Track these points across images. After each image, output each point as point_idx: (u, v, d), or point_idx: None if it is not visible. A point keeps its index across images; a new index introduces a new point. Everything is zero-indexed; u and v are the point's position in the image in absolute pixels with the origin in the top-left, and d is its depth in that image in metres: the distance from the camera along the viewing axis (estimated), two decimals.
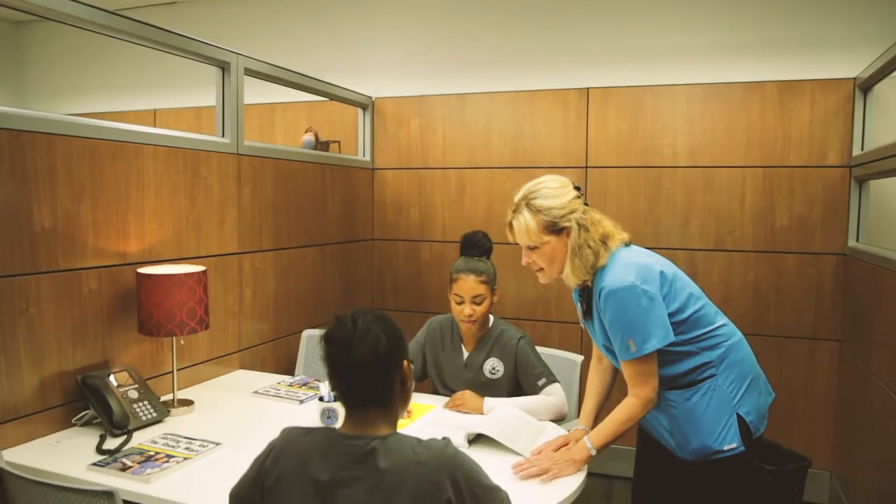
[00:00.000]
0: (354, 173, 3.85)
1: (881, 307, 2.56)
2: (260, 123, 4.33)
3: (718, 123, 3.40)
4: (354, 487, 1.28)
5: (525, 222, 1.85)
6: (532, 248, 1.88)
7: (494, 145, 3.79)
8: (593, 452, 1.84)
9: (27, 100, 5.29)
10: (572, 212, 1.84)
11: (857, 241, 3.16)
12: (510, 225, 1.90)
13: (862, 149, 3.14)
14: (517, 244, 1.93)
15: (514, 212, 1.88)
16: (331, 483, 1.29)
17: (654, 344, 1.76)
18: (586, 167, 3.62)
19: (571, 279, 1.87)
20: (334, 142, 4.14)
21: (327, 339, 1.36)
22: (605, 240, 1.84)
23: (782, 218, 3.33)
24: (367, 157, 4.01)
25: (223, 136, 2.80)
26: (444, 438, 1.38)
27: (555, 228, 1.84)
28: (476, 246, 2.49)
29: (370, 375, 1.35)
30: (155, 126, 2.55)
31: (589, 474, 1.87)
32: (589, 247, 1.82)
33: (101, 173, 2.22)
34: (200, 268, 2.33)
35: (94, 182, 2.19)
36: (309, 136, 4.03)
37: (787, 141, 3.30)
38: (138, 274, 2.24)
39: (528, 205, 1.85)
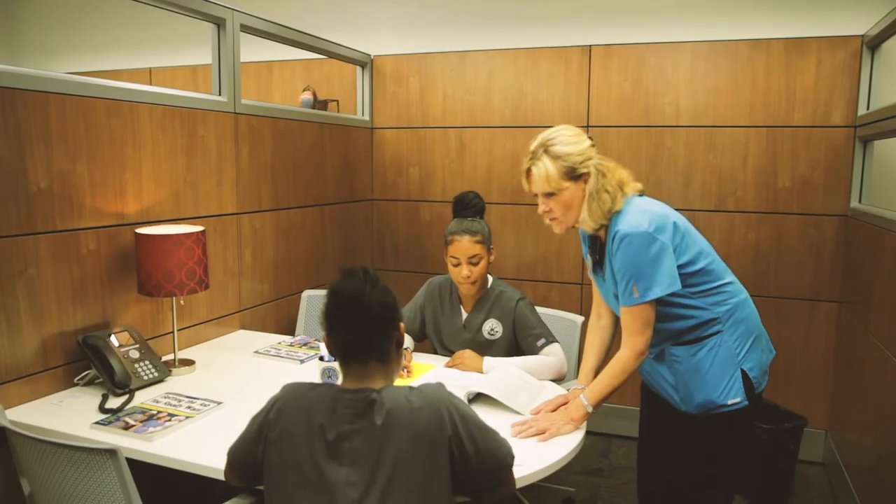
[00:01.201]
0: (353, 132, 3.81)
1: (881, 268, 2.56)
2: (257, 82, 4.27)
3: (722, 82, 3.34)
4: (356, 440, 1.31)
5: (545, 168, 1.84)
6: (549, 196, 1.88)
7: (495, 104, 3.74)
8: (590, 409, 1.86)
9: (20, 57, 5.21)
10: (590, 158, 1.85)
11: (860, 202, 3.15)
12: (528, 172, 1.89)
13: (868, 108, 3.10)
14: (533, 195, 1.92)
15: (532, 158, 1.87)
16: (336, 436, 1.31)
17: (656, 292, 1.77)
18: (587, 126, 3.57)
19: (588, 223, 1.88)
20: (333, 101, 4.09)
21: (336, 291, 1.37)
22: (621, 185, 1.86)
23: (784, 179, 3.31)
24: (366, 117, 3.96)
25: (220, 94, 2.76)
26: (437, 383, 1.40)
27: (574, 174, 1.84)
28: (469, 206, 2.47)
29: (376, 326, 1.37)
30: (151, 85, 2.51)
31: (587, 433, 1.90)
32: (606, 191, 1.84)
33: (97, 132, 2.19)
34: (199, 228, 2.32)
35: (90, 141, 2.17)
36: (307, 95, 3.98)
37: (792, 100, 3.25)
38: (136, 234, 2.23)
39: (546, 151, 1.85)
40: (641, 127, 3.49)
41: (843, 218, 3.22)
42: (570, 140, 1.85)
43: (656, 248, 1.76)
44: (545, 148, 1.85)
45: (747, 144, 3.34)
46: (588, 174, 1.84)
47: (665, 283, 1.77)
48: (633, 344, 1.83)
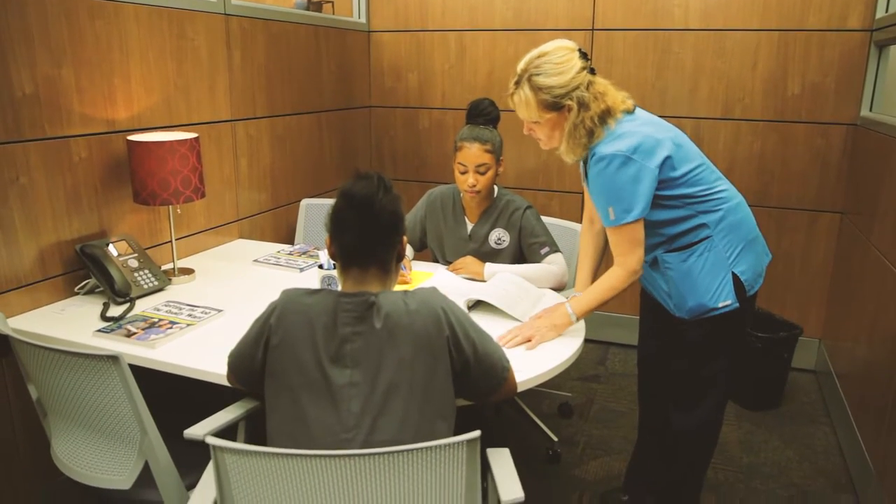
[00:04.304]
0: (350, 36, 3.67)
1: (888, 177, 2.52)
2: None
3: None
4: (358, 342, 1.32)
5: (525, 98, 1.80)
6: (533, 121, 1.86)
7: (496, 5, 3.58)
8: (574, 319, 1.88)
9: None
10: (575, 88, 1.78)
11: (871, 110, 3.06)
12: (511, 98, 1.86)
13: (886, 10, 2.97)
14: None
15: (517, 84, 1.82)
16: (339, 340, 1.33)
17: (634, 215, 1.76)
18: (592, 30, 3.44)
19: (568, 155, 1.87)
20: (327, 2, 3.92)
21: (348, 193, 1.37)
22: (604, 117, 1.80)
23: (794, 86, 3.21)
24: (363, 19, 3.81)
25: None
26: (430, 287, 1.42)
27: (555, 107, 1.80)
28: (482, 114, 2.40)
29: (382, 232, 1.38)
30: None
31: (585, 340, 1.92)
32: (585, 126, 1.79)
33: (81, 35, 2.10)
34: (193, 134, 2.26)
35: (74, 44, 2.08)
36: None
37: (808, 1, 3.11)
38: (129, 141, 2.18)
39: (529, 80, 1.79)
40: (648, 30, 3.35)
41: (852, 127, 3.15)
42: (555, 69, 1.77)
43: (632, 169, 1.74)
44: (529, 76, 1.79)
45: (758, 49, 3.22)
46: (570, 106, 1.78)
47: (641, 204, 1.76)
48: (623, 263, 1.83)
